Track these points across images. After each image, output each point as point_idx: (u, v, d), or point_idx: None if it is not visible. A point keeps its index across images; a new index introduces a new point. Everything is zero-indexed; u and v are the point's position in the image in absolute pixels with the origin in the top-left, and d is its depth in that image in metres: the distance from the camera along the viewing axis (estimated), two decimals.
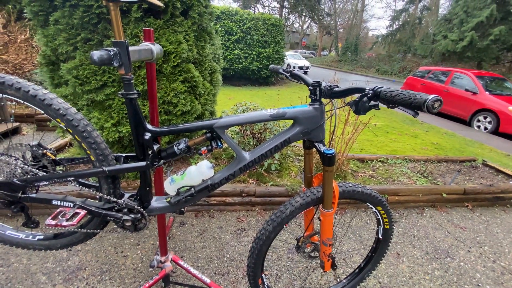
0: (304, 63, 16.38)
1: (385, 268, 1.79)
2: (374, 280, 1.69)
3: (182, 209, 0.99)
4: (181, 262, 1.40)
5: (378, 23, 70.76)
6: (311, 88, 0.83)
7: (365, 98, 0.67)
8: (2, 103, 3.53)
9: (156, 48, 0.90)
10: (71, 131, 0.77)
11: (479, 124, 6.23)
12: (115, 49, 0.70)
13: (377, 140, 4.52)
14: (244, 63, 9.70)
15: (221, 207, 2.25)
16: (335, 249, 1.91)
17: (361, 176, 2.86)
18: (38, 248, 0.97)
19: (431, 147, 4.45)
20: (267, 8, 28.99)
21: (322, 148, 0.86)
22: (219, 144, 0.85)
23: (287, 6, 25.77)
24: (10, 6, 5.67)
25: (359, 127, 2.68)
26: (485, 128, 6.08)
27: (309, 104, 0.85)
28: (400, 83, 9.34)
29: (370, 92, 0.69)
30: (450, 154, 4.08)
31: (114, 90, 1.87)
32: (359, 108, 0.69)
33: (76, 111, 0.78)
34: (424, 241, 2.09)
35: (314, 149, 0.94)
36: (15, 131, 3.64)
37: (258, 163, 0.88)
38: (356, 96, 0.69)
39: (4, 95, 0.73)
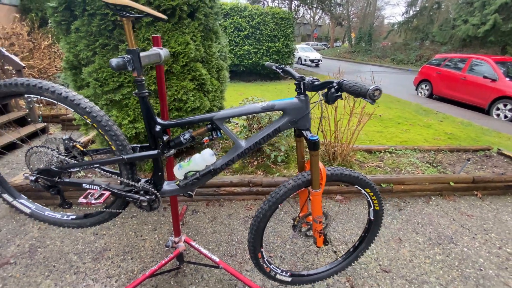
0: (316, 55, 16.17)
1: (386, 252, 1.87)
2: (374, 263, 1.78)
3: (190, 193, 1.13)
4: (193, 243, 1.56)
5: (393, 10, 67.93)
6: (296, 82, 0.95)
7: (332, 90, 0.80)
8: (31, 105, 3.86)
9: (163, 52, 1.04)
10: (95, 125, 0.92)
11: (498, 112, 5.99)
12: (128, 56, 0.85)
13: (387, 131, 4.50)
14: (254, 59, 9.77)
15: (230, 197, 2.39)
16: (340, 234, 2.01)
17: (367, 166, 2.91)
18: (71, 226, 1.15)
19: (444, 137, 4.37)
20: (276, 1, 28.68)
21: (308, 135, 0.97)
22: (219, 134, 0.98)
23: None
24: (33, 14, 6.06)
25: (364, 118, 2.73)
26: (505, 116, 5.84)
27: (295, 97, 0.97)
28: (417, 73, 9.07)
29: (336, 85, 0.80)
30: (464, 143, 4.00)
31: (130, 90, 2.04)
32: (328, 98, 0.82)
33: (99, 108, 0.93)
34: (427, 228, 2.14)
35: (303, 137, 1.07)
36: (43, 131, 3.97)
37: (253, 149, 1.00)
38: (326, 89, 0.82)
39: (42, 97, 0.90)
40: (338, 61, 22.59)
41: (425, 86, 8.17)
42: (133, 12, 0.85)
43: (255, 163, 2.80)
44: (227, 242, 1.90)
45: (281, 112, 0.97)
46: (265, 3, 27.29)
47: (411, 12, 21.46)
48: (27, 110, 3.83)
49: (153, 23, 2.00)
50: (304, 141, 1.02)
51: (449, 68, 7.39)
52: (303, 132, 0.98)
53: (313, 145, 0.96)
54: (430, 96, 8.02)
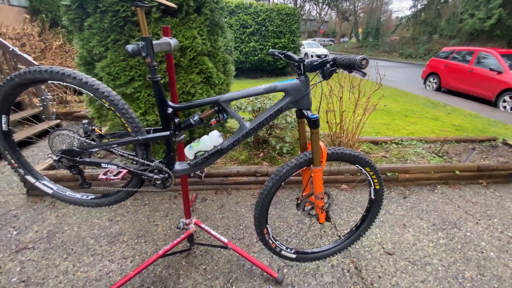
0: (322, 51, 16.10)
1: (389, 236, 1.92)
2: (378, 246, 1.83)
3: (200, 174, 1.21)
4: (203, 225, 1.64)
5: (401, 4, 66.88)
6: (296, 64, 1.01)
7: (328, 65, 0.87)
8: (45, 103, 4.01)
9: (173, 41, 1.12)
10: (113, 109, 1.01)
11: (505, 104, 5.90)
12: (142, 43, 0.92)
13: (394, 124, 4.51)
14: (260, 55, 9.80)
15: (237, 186, 2.47)
16: (345, 220, 2.07)
17: (373, 157, 2.95)
18: (90, 205, 1.24)
19: (451, 128, 4.36)
20: None
21: (308, 114, 1.03)
22: (225, 115, 1.05)
23: None
24: (43, 15, 6.24)
25: (368, 108, 2.77)
26: (511, 109, 5.76)
27: (296, 78, 1.03)
28: (423, 66, 8.98)
29: (331, 60, 0.88)
30: (471, 135, 3.98)
31: (141, 84, 2.13)
32: (325, 73, 0.89)
33: (116, 93, 1.02)
34: (432, 214, 2.18)
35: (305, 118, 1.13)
36: (57, 127, 4.12)
37: (257, 130, 1.07)
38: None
39: (64, 83, 0.99)
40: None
41: (433, 79, 8.08)
42: (145, 1, 0.93)
43: (261, 154, 2.88)
44: (235, 227, 1.98)
45: (283, 93, 1.04)
46: None
47: (419, 6, 21.09)
48: (41, 108, 3.99)
49: (161, 19, 2.08)
50: (306, 121, 1.09)
51: (457, 61, 7.29)
52: (304, 111, 1.05)
53: (313, 123, 1.02)
54: (439, 89, 7.93)
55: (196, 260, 1.68)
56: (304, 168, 1.13)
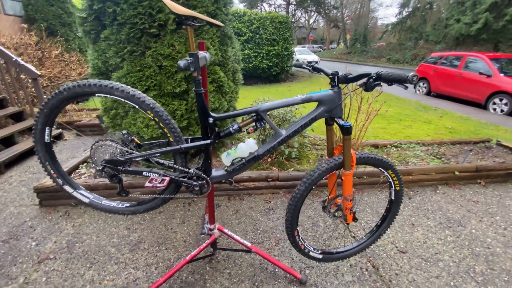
0: (313, 57, 16.46)
1: (401, 236, 2.01)
2: (391, 245, 1.91)
3: (231, 180, 1.27)
4: (226, 230, 1.69)
5: (387, 11, 68.99)
6: (331, 76, 1.10)
7: (371, 80, 0.96)
8: None
9: (208, 56, 1.19)
10: (157, 119, 1.06)
11: (495, 106, 6.21)
12: (191, 59, 0.99)
13: (391, 128, 4.67)
14: (254, 62, 9.97)
15: (249, 191, 2.53)
16: (357, 221, 2.15)
17: None
18: (126, 213, 1.28)
19: (445, 131, 4.55)
20: (273, 6, 29.11)
21: (341, 122, 1.12)
22: (262, 124, 1.12)
23: (293, 2, 25.78)
24: (41, 24, 6.19)
25: (371, 114, 2.89)
26: (502, 111, 6.05)
27: (330, 89, 1.12)
28: (412, 71, 9.33)
29: (374, 75, 0.96)
30: (464, 137, 4.17)
31: (156, 93, 2.18)
32: (367, 87, 0.98)
33: (159, 105, 1.07)
34: (437, 214, 2.29)
35: (334, 125, 1.21)
36: (58, 137, 4.09)
37: (291, 137, 1.14)
38: (364, 79, 0.98)
39: (111, 96, 1.04)
40: (335, 62, 22.92)
41: (423, 84, 8.40)
42: (196, 21, 1.00)
43: (269, 160, 2.95)
44: (253, 231, 2.04)
45: (317, 103, 1.12)
46: (262, 7, 27.69)
47: (404, 13, 21.89)
48: None
49: (176, 30, 2.15)
50: (334, 129, 1.17)
51: (446, 66, 7.62)
52: (336, 119, 1.13)
53: (347, 130, 1.11)
54: (428, 93, 8.24)
55: (219, 265, 1.72)
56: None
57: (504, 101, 6.00)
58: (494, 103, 6.21)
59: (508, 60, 6.74)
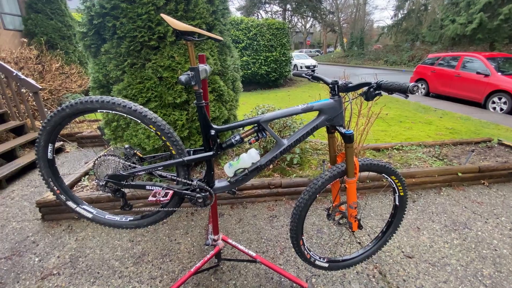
0: (311, 62, 16.56)
1: (407, 240, 1.99)
2: (398, 250, 1.89)
3: (235, 190, 1.27)
4: (230, 240, 1.67)
5: (382, 14, 69.83)
6: (331, 85, 1.10)
7: (371, 89, 0.96)
8: None
9: (208, 68, 1.20)
10: (159, 133, 1.06)
11: (494, 105, 6.21)
12: (192, 73, 1.00)
13: (391, 130, 4.67)
14: (252, 69, 10.04)
15: (252, 199, 2.52)
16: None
17: None
18: (129, 227, 1.27)
19: (445, 132, 4.54)
20: (269, 13, 29.47)
21: (343, 130, 1.12)
22: (264, 134, 1.13)
23: (289, 8, 26.09)
24: (41, 38, 6.27)
25: (371, 118, 2.89)
26: (501, 109, 6.06)
27: (330, 98, 1.12)
28: (410, 73, 9.36)
29: (374, 84, 0.97)
30: (465, 137, 4.17)
31: (156, 105, 2.20)
32: (368, 96, 0.98)
33: (161, 118, 1.08)
34: (442, 216, 2.27)
35: (335, 133, 1.21)
36: (60, 150, 4.09)
37: (293, 146, 1.14)
38: (364, 88, 0.98)
39: (113, 111, 1.04)
40: (333, 66, 23.04)
41: (421, 85, 8.43)
42: (195, 36, 1.01)
43: (271, 166, 2.94)
44: (257, 240, 2.02)
45: (317, 112, 1.13)
46: (259, 14, 28.02)
47: (400, 15, 22.11)
48: None
49: (176, 42, 2.17)
50: (336, 137, 1.17)
51: (443, 67, 7.66)
52: (338, 128, 1.13)
53: (349, 138, 1.11)
54: (427, 94, 8.27)
55: (224, 276, 1.71)
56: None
57: (503, 99, 6.02)
58: (494, 102, 6.22)
59: (505, 59, 6.78)
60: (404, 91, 0.88)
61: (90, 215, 1.26)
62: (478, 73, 6.54)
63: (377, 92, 0.98)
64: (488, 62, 6.46)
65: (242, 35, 9.68)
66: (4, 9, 6.43)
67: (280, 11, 27.54)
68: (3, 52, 5.08)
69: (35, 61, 5.61)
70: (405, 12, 21.51)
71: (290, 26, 26.28)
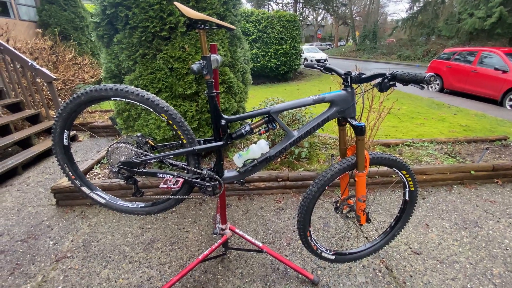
0: (321, 55, 16.26)
1: (415, 236, 1.98)
2: (405, 246, 1.88)
3: (243, 180, 1.28)
4: (237, 230, 1.70)
5: (397, 6, 67.79)
6: (344, 77, 1.09)
7: (386, 80, 0.94)
8: None
9: (219, 58, 1.20)
10: (171, 122, 1.08)
11: (511, 103, 6.00)
12: (204, 62, 1.01)
13: (403, 126, 4.59)
14: (262, 61, 9.96)
15: (259, 191, 2.54)
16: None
17: None
18: (140, 213, 1.31)
19: (459, 129, 4.43)
20: (280, 4, 28.99)
21: (354, 122, 1.11)
22: (274, 125, 1.13)
23: (301, 0, 25.59)
24: (55, 29, 6.37)
25: (382, 112, 2.84)
26: None
27: (342, 89, 1.11)
28: (424, 68, 9.12)
29: (389, 75, 0.95)
30: (480, 135, 4.05)
31: (167, 95, 2.22)
32: (382, 87, 0.96)
33: (173, 107, 1.09)
34: (452, 214, 2.23)
35: (346, 126, 1.20)
36: (73, 139, 4.20)
37: (303, 138, 1.14)
38: (378, 80, 0.96)
39: (126, 99, 1.06)
40: (344, 60, 22.63)
41: (436, 80, 8.19)
42: (208, 25, 1.01)
43: (279, 159, 2.94)
44: (264, 232, 2.04)
45: (329, 103, 1.12)
46: (269, 6, 27.62)
47: (415, 8, 21.35)
48: None
49: (187, 32, 2.17)
50: (347, 129, 1.16)
51: (459, 62, 7.41)
52: (350, 120, 1.12)
53: (360, 131, 1.10)
54: (441, 90, 8.04)
55: (231, 264, 1.74)
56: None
57: None
58: (511, 100, 6.00)
59: None
60: (420, 81, 0.86)
61: (103, 201, 1.29)
62: (496, 69, 6.31)
63: (391, 83, 0.96)
64: (507, 58, 6.21)
65: (252, 27, 9.58)
66: (19, 0, 6.56)
67: (291, 3, 27.05)
68: (19, 42, 5.20)
69: (49, 52, 5.72)
70: (421, 4, 20.74)
71: (301, 18, 25.83)
